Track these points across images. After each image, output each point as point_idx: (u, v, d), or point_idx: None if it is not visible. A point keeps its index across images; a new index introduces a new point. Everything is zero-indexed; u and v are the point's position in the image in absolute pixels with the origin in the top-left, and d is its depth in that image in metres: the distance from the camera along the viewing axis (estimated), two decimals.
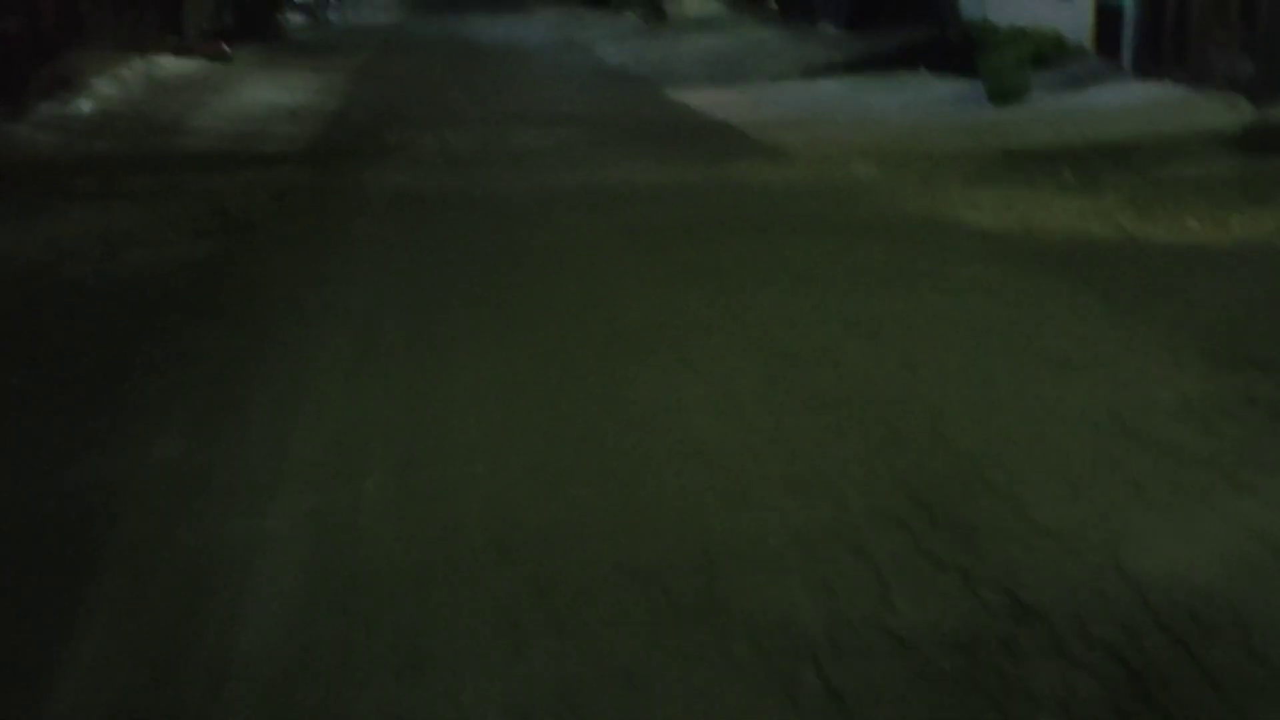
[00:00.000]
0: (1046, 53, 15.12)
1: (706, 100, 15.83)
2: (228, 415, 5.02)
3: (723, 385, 5.24)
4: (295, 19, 30.39)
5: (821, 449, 4.57)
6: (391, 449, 4.63)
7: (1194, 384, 5.14)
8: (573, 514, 4.05)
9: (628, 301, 6.59)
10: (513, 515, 4.05)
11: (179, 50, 20.61)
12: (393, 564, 3.78)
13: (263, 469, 4.46)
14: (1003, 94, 14.12)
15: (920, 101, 15.18)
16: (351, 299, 6.77)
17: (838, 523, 3.97)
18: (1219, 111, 12.13)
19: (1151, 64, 14.34)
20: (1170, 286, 6.71)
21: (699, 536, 3.89)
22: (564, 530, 3.94)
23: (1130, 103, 13.31)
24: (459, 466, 4.45)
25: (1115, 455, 4.43)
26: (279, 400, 5.15)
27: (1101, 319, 6.12)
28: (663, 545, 3.84)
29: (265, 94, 16.57)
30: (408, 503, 4.18)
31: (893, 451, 4.52)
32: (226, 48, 20.54)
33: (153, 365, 5.69)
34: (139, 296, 6.97)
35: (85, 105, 14.47)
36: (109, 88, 15.77)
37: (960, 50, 16.49)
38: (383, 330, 6.14)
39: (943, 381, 5.22)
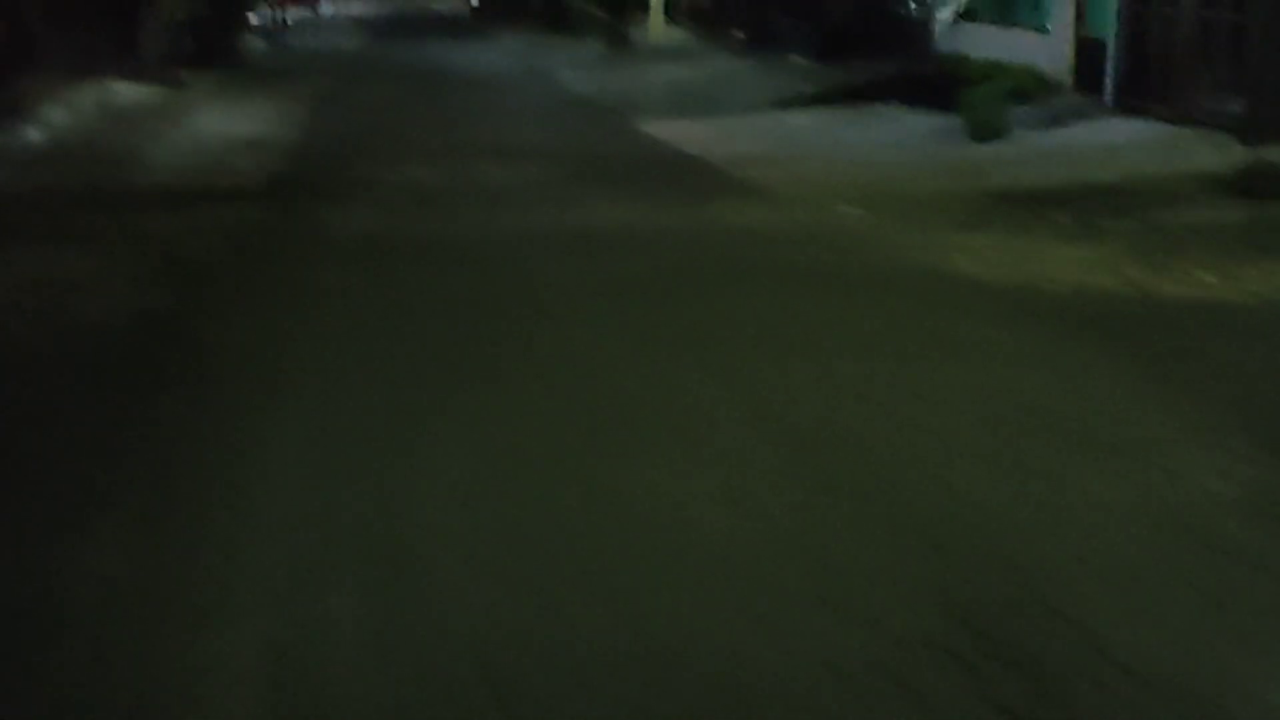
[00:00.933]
0: (1026, 88, 14.69)
1: (678, 134, 15.32)
2: (174, 515, 4.40)
3: (730, 474, 4.67)
4: (255, 43, 29.74)
5: (849, 554, 4.02)
6: (360, 559, 4.02)
7: (1247, 471, 4.63)
8: (577, 645, 3.47)
9: (618, 370, 6.00)
10: (506, 648, 3.47)
11: (135, 75, 19.92)
12: (364, 712, 3.20)
13: (213, 584, 3.86)
14: (983, 131, 13.66)
15: (896, 137, 14.71)
16: (315, 366, 6.16)
17: (880, 653, 3.42)
18: (1208, 152, 11.70)
19: (1134, 100, 13.93)
20: (1198, 351, 6.21)
21: (724, 675, 3.33)
22: (568, 668, 3.36)
23: (1115, 141, 12.87)
24: (440, 582, 3.86)
25: (1185, 565, 3.90)
26: (233, 494, 4.54)
27: (1132, 391, 5.60)
28: (684, 687, 3.28)
29: (223, 123, 15.93)
30: (381, 628, 3.59)
31: (930, 557, 3.97)
32: (182, 74, 19.85)
33: (91, 447, 5.07)
34: (80, 359, 6.35)
35: (34, 134, 13.80)
36: (60, 115, 15.09)
37: (935, 84, 16.04)
38: (348, 407, 5.52)
39: (974, 468, 4.68)
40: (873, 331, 6.67)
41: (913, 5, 19.55)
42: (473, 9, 48.18)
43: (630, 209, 10.34)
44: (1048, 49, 15.58)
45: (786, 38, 22.12)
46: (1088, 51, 14.94)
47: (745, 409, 5.39)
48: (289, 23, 32.81)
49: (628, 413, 5.35)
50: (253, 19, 30.67)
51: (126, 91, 17.93)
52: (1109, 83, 14.42)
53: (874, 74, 17.90)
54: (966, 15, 18.31)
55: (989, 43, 16.86)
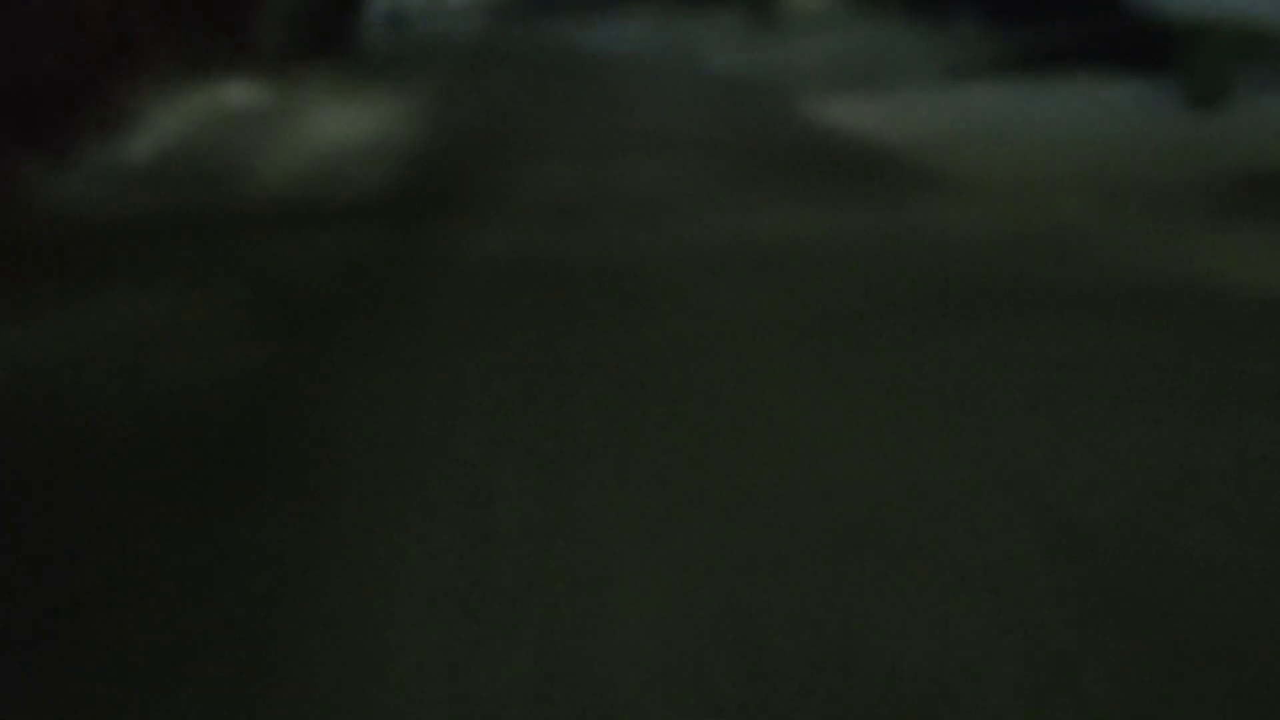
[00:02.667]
0: (1247, 46, 13.03)
1: (844, 115, 13.91)
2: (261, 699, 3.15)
3: (1066, 673, 3.24)
4: (376, 31, 28.94)
5: None
6: None
7: None
8: None
9: (842, 457, 4.62)
10: None
11: (250, 72, 19.08)
12: None
13: None
14: (1205, 97, 12.04)
15: (1097, 110, 13.12)
16: (449, 458, 4.92)
17: None
18: None
19: None
20: None
21: None
22: None
23: None
24: None
25: None
26: (341, 675, 3.27)
27: None
28: None
29: (341, 123, 14.91)
30: None
31: None
32: (298, 70, 18.93)
33: (157, 584, 3.89)
34: (160, 444, 5.20)
35: (137, 147, 12.89)
36: (168, 122, 14.19)
37: (1133, 45, 14.42)
38: (498, 523, 4.25)
39: None
40: (1138, 377, 5.24)
41: None
42: None
43: (807, 213, 8.99)
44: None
45: (951, 1, 20.53)
46: None
47: (1036, 536, 3.98)
48: (410, 8, 31.93)
49: (882, 538, 3.96)
50: (373, 6, 29.87)
51: (239, 92, 17.05)
52: None
53: (1058, 37, 16.30)
54: None
55: None
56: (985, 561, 3.66)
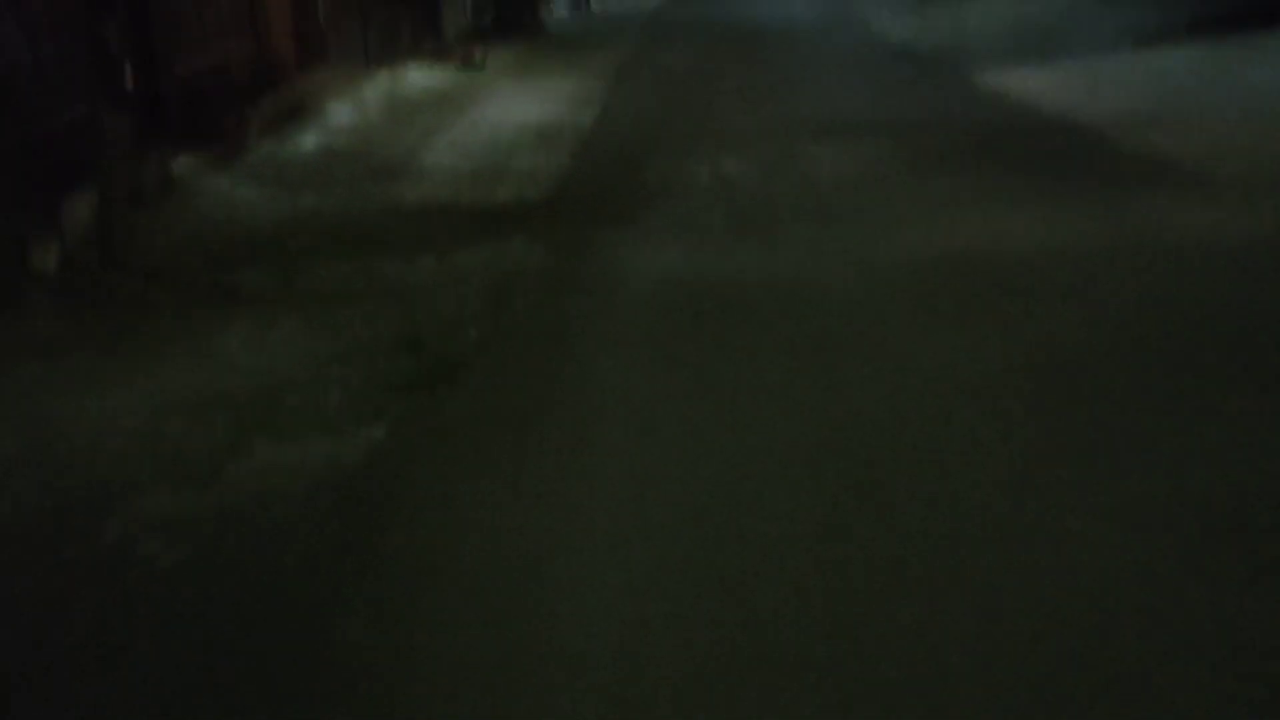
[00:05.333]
0: None
1: (1029, 87, 11.74)
2: None
3: None
4: (558, 9, 27.22)
5: None
6: None
7: None
8: None
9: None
10: None
11: (432, 58, 17.55)
12: None
13: None
14: None
15: None
16: (607, 601, 3.25)
17: None
18: None
19: None
20: None
21: None
22: None
23: None
24: None
25: None
26: None
27: None
28: None
29: (513, 109, 13.24)
30: None
31: None
32: (479, 54, 17.32)
33: None
34: (237, 580, 3.62)
35: (309, 140, 11.41)
36: (343, 114, 12.70)
37: None
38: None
39: None
40: None
41: None
42: None
43: (1015, 215, 7.02)
44: None
45: None
46: None
47: None
48: None
49: None
50: None
51: (419, 77, 15.50)
52: None
53: None
54: None
55: None
56: None
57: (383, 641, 3.23)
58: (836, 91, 12.76)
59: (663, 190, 8.59)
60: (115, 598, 3.59)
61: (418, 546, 3.75)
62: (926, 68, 14.17)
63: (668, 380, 4.96)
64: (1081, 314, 5.33)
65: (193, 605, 3.50)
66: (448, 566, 3.60)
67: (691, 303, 5.91)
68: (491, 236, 7.62)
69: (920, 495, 3.78)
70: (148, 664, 3.21)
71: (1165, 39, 13.17)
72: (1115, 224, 6.62)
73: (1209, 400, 4.29)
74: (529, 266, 6.83)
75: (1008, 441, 4.12)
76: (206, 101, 11.21)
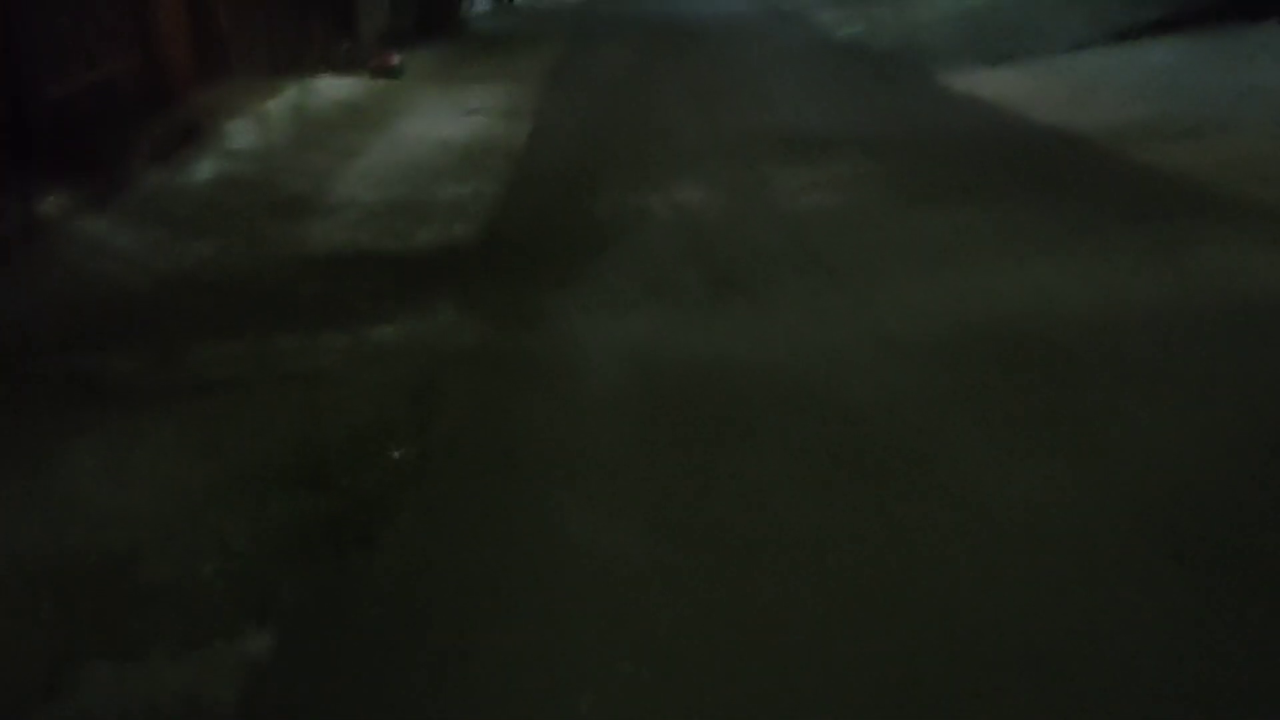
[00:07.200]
0: None
1: (1007, 91, 10.54)
2: None
3: None
4: (481, 5, 25.68)
5: None
6: None
7: None
8: None
9: None
10: None
11: (345, 64, 16.03)
12: None
13: None
14: None
15: None
16: None
17: None
18: None
19: None
20: None
21: None
22: None
23: None
24: None
25: None
26: None
27: None
28: None
29: (437, 124, 11.80)
30: None
31: None
32: (396, 60, 15.83)
33: None
34: None
35: (204, 168, 9.90)
36: (245, 134, 11.19)
37: None
38: None
39: None
40: None
41: None
42: None
43: (1047, 261, 5.74)
44: None
45: None
46: None
47: None
48: None
49: None
50: None
51: (333, 88, 13.98)
52: None
53: None
54: None
55: None
56: None
57: None
58: (793, 98, 11.47)
59: (616, 229, 7.24)
60: None
61: None
62: (885, 69, 12.92)
63: (656, 539, 3.63)
64: (1180, 413, 4.09)
65: None
66: None
67: (673, 403, 4.58)
68: (416, 298, 6.22)
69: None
70: None
71: (1143, 33, 12.04)
72: (1175, 274, 5.39)
73: None
74: (463, 345, 5.45)
75: (1160, 661, 2.86)
76: (85, 127, 9.68)
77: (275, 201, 8.87)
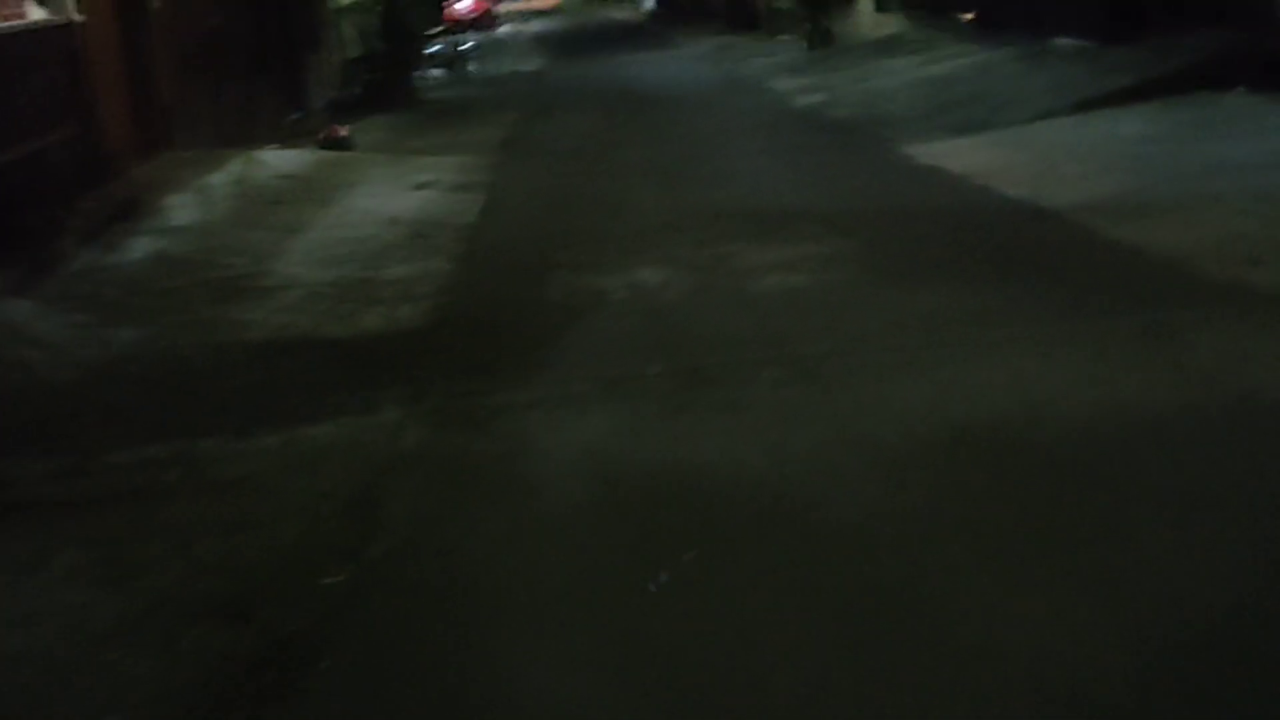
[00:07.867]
0: None
1: (971, 163, 10.27)
2: None
3: None
4: (433, 74, 25.42)
5: None
6: None
7: None
8: None
9: None
10: None
11: (294, 135, 15.64)
12: None
13: None
14: None
15: None
16: None
17: None
18: None
19: None
20: None
21: None
22: None
23: None
24: None
25: None
26: None
27: None
28: None
29: (386, 198, 11.39)
30: None
31: None
32: (345, 131, 15.45)
33: None
34: None
35: (140, 246, 9.42)
36: (186, 209, 10.72)
37: None
38: None
39: None
40: None
41: None
42: (651, 14, 43.60)
43: (1037, 355, 5.36)
44: None
45: (1045, 16, 16.65)
46: None
47: None
48: (467, 49, 28.40)
49: None
50: (429, 49, 26.38)
51: (279, 160, 13.55)
52: None
53: (1196, 55, 12.53)
54: None
55: None
56: None
57: None
58: (754, 170, 11.16)
59: (571, 314, 6.83)
60: None
61: None
62: (846, 139, 12.66)
63: (614, 694, 3.18)
64: (1190, 534, 3.70)
65: None
66: None
67: (636, 521, 4.14)
68: (357, 392, 5.77)
69: None
70: None
71: (1108, 102, 11.84)
72: (1174, 371, 5.03)
73: None
74: (406, 449, 5.00)
75: None
76: (11, 202, 9.20)
77: (212, 282, 8.41)
